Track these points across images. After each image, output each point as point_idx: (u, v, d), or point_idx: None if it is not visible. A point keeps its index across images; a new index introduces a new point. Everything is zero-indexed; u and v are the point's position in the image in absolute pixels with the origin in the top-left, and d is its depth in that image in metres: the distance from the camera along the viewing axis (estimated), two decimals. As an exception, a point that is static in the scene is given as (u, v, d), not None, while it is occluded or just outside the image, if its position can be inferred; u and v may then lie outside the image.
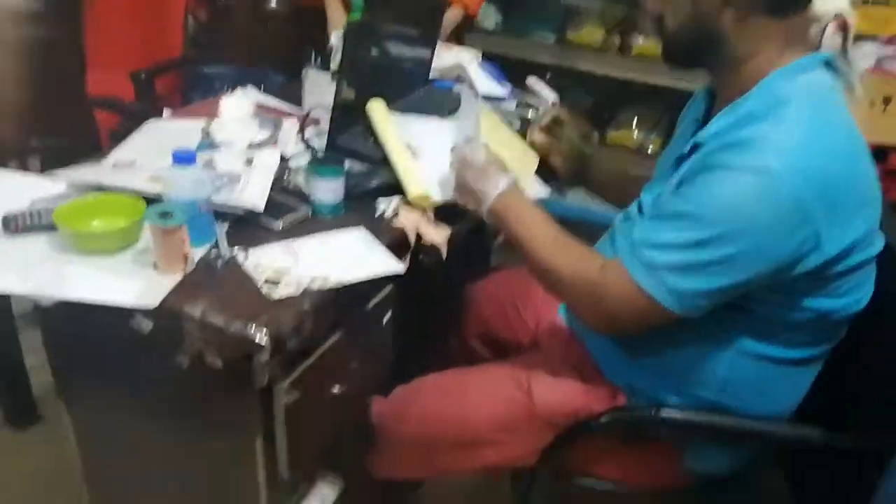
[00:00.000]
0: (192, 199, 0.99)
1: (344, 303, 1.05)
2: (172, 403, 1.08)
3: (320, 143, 1.31)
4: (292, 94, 1.53)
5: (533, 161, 1.41)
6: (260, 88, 1.58)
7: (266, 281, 0.98)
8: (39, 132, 1.69)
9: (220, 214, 1.08)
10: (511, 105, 1.65)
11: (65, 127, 1.76)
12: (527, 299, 1.37)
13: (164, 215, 0.94)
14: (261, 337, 0.89)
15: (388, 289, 1.21)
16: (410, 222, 1.14)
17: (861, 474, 1.09)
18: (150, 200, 1.03)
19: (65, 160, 1.20)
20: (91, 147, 1.44)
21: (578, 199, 2.36)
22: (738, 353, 1.00)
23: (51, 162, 1.25)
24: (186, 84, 2.22)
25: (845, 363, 1.06)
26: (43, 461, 1.66)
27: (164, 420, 1.13)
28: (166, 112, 1.47)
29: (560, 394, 1.13)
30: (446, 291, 1.47)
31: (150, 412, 1.14)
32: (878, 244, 0.95)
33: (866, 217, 0.91)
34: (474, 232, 1.33)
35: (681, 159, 0.99)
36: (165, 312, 0.93)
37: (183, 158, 1.00)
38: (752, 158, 0.85)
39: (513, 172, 1.13)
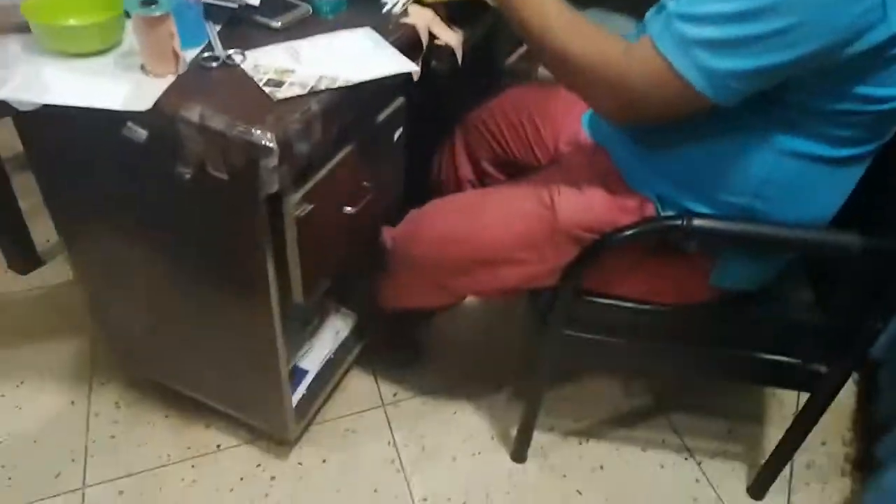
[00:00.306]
0: (176, -11, 0.87)
1: (353, 110, 0.96)
2: (176, 224, 1.02)
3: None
4: None
5: None
6: None
7: (268, 82, 0.88)
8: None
9: (210, 14, 0.97)
10: None
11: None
12: (545, 114, 1.28)
13: (147, 3, 0.82)
14: (267, 139, 0.81)
15: (398, 101, 1.12)
16: (422, 20, 1.03)
17: (892, 283, 1.06)
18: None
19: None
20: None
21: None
22: (776, 152, 0.93)
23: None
24: None
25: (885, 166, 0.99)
26: (50, 301, 1.64)
27: (169, 244, 1.07)
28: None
29: (585, 207, 1.06)
30: (458, 111, 1.38)
31: (152, 236, 1.08)
32: None
33: None
34: (486, 40, 1.21)
35: None
36: (160, 117, 0.84)
37: (161, -59, 0.86)
38: None
39: None
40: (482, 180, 1.39)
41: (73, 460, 1.33)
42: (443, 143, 1.41)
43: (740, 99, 0.86)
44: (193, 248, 1.05)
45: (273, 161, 0.82)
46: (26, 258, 1.70)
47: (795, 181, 0.95)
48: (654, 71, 0.85)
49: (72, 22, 0.87)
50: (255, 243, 0.95)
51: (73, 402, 1.44)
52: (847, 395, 1.58)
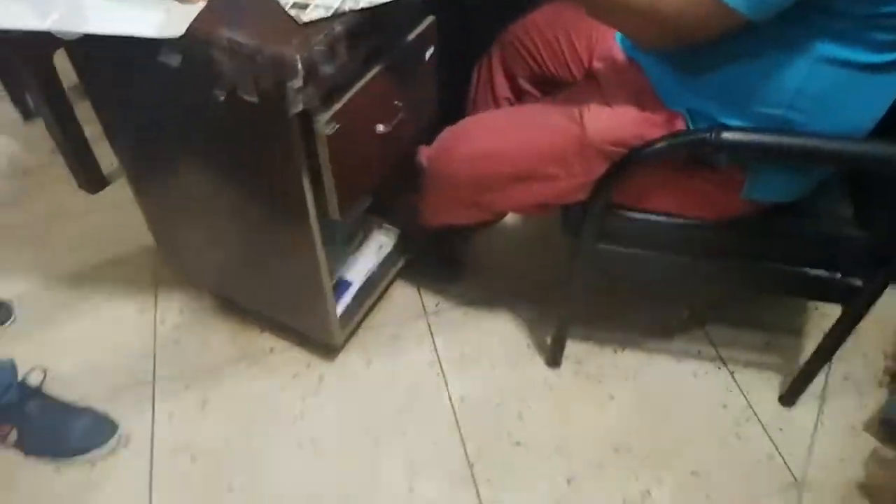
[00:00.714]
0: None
1: (379, 30, 0.98)
2: (217, 144, 1.08)
3: None
4: None
5: None
6: None
7: (294, 5, 0.91)
8: None
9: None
10: None
11: None
12: (579, 30, 1.26)
13: (174, -69, 0.85)
14: (292, 60, 0.84)
15: (428, 21, 1.12)
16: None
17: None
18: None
19: None
20: None
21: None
22: (814, 60, 0.90)
23: None
24: None
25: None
26: (118, 218, 1.76)
27: (212, 164, 1.14)
28: None
29: (613, 121, 1.07)
30: (493, 28, 1.37)
31: (197, 157, 1.15)
32: None
33: None
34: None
35: None
36: (192, 43, 0.88)
37: None
38: None
39: None
40: (519, 97, 1.39)
41: (143, 358, 1.47)
42: (479, 61, 1.41)
43: (777, 13, 0.83)
44: (235, 167, 1.11)
45: (298, 82, 0.85)
46: (93, 179, 1.82)
47: (833, 89, 0.93)
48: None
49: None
50: (289, 162, 1.00)
51: (141, 311, 1.57)
52: (892, 310, 1.56)
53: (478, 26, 1.36)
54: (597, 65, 1.21)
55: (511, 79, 1.38)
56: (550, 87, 1.34)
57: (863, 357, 1.49)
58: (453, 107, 1.39)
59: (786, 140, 0.98)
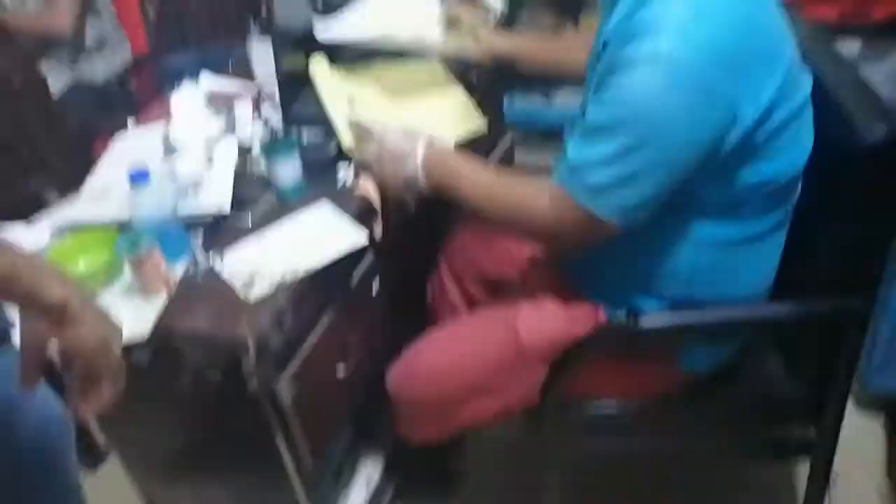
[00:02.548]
0: (158, 216, 1.04)
1: (326, 285, 1.09)
2: (194, 418, 1.15)
3: (278, 117, 1.30)
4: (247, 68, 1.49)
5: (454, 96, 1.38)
6: (227, 66, 1.54)
7: (243, 285, 1.02)
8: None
9: (190, 226, 1.12)
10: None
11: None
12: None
13: (133, 244, 0.99)
14: (244, 340, 0.95)
15: (368, 259, 1.22)
16: (370, 186, 1.16)
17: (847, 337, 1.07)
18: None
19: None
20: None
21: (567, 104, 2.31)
22: (693, 244, 1.01)
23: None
24: (157, 79, 2.18)
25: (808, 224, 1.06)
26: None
27: (195, 438, 1.20)
28: (130, 122, 1.47)
29: (542, 324, 1.14)
30: (431, 244, 1.47)
31: (180, 432, 1.21)
32: (803, 90, 0.95)
33: (776, 70, 0.89)
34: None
35: (596, 58, 0.98)
36: (157, 340, 0.98)
37: (137, 178, 1.04)
38: (645, 46, 0.85)
39: (422, 134, 1.11)
40: (471, 303, 1.44)
41: None
42: (432, 272, 1.50)
43: (645, 220, 0.96)
44: (215, 444, 1.17)
45: (252, 360, 0.95)
46: (93, 456, 1.79)
47: (721, 264, 1.04)
48: (578, 220, 0.96)
49: (80, 265, 1.06)
50: (259, 427, 1.07)
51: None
52: (871, 445, 1.55)
53: (418, 246, 1.45)
54: (522, 265, 1.32)
55: (461, 284, 1.46)
56: (495, 286, 1.41)
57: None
58: (411, 326, 1.47)
59: (697, 316, 1.07)
